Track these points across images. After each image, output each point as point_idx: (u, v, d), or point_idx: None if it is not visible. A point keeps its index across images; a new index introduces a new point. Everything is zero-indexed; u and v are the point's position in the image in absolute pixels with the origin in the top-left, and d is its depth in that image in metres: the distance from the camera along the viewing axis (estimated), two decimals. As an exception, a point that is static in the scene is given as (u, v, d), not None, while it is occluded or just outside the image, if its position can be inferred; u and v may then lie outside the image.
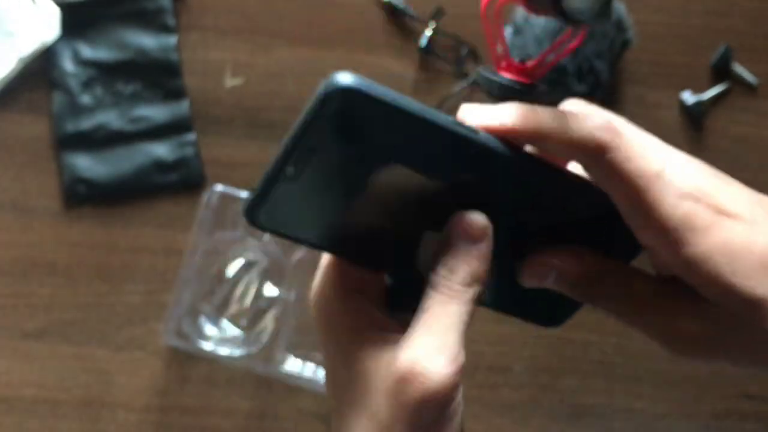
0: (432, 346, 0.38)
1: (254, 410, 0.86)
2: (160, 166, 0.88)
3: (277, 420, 0.86)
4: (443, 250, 0.40)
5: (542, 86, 0.41)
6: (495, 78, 0.41)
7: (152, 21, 0.89)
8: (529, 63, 0.41)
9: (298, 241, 0.42)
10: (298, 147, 0.40)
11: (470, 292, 0.39)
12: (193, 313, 0.86)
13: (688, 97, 0.91)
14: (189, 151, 0.88)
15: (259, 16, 0.90)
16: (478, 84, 0.41)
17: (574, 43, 0.40)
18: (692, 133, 0.92)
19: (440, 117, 0.38)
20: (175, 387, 0.86)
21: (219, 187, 0.86)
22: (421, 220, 0.41)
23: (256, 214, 0.40)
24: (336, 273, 0.41)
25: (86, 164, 0.87)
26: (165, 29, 0.89)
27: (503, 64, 0.41)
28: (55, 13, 0.86)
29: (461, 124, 0.39)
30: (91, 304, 0.86)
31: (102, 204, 0.87)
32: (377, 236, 0.41)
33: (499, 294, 0.45)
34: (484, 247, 0.40)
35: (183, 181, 0.88)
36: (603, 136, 0.39)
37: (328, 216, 0.41)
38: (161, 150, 0.88)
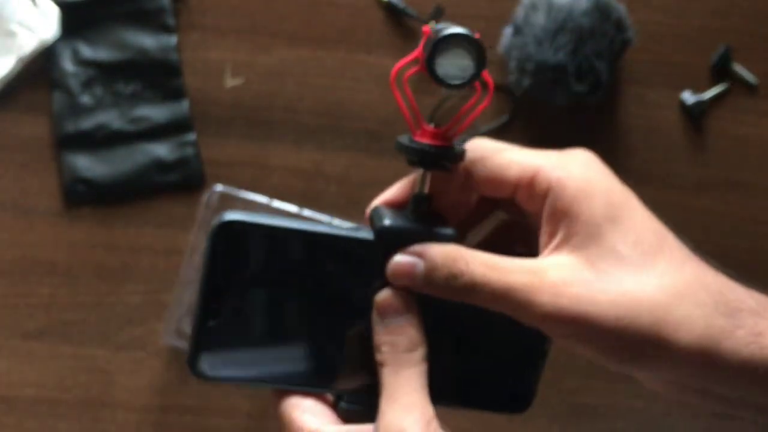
0: (401, 411, 0.41)
1: (254, 410, 0.86)
2: (160, 166, 0.88)
3: (277, 420, 0.86)
4: (377, 330, 0.43)
5: (459, 147, 0.43)
6: (410, 144, 0.43)
7: (152, 21, 0.89)
8: (443, 127, 0.43)
9: (244, 383, 0.46)
10: (209, 289, 0.43)
11: (417, 355, 0.43)
12: (193, 313, 0.85)
13: (688, 97, 0.91)
14: (189, 151, 0.88)
15: (259, 16, 0.90)
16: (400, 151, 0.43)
17: (483, 104, 0.42)
18: (692, 133, 0.92)
19: (309, 225, 0.42)
20: (175, 387, 0.86)
21: (219, 187, 0.86)
22: (346, 317, 0.44)
23: (198, 366, 0.43)
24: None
25: (86, 164, 0.87)
26: (165, 29, 0.89)
27: (418, 131, 0.43)
28: (55, 13, 0.86)
29: (336, 227, 0.44)
30: (91, 304, 0.86)
31: (102, 204, 0.87)
32: (310, 352, 0.44)
33: (447, 386, 0.46)
34: (412, 316, 0.43)
35: (183, 181, 0.88)
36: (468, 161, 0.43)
37: (262, 346, 0.44)
38: (161, 150, 0.88)
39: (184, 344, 0.84)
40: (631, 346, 0.40)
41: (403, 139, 0.43)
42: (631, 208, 0.42)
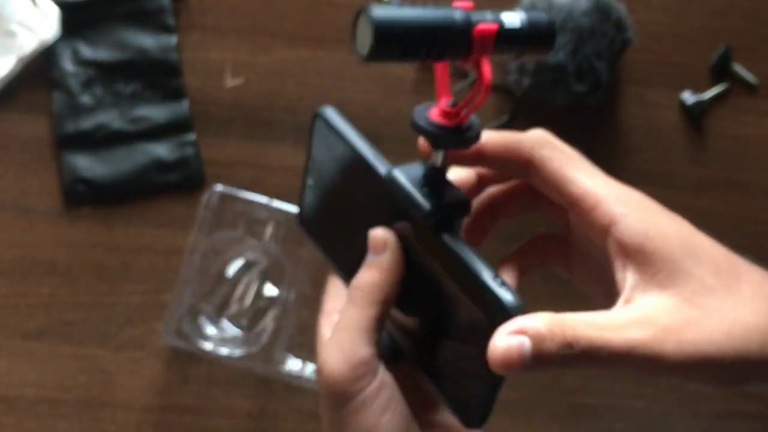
0: (332, 345, 0.44)
1: (254, 410, 0.86)
2: (160, 166, 0.88)
3: (277, 420, 0.86)
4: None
5: (473, 128, 0.43)
6: (424, 126, 0.43)
7: (152, 21, 0.89)
8: (457, 107, 0.43)
9: (324, 252, 0.51)
10: (308, 160, 0.50)
11: (369, 298, 0.44)
12: (193, 313, 0.86)
13: (688, 97, 0.91)
14: (189, 151, 0.88)
15: (259, 16, 0.90)
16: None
17: (481, 97, 0.42)
18: (692, 133, 0.92)
19: (371, 154, 0.47)
20: (175, 387, 0.86)
21: (219, 187, 0.86)
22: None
23: (302, 221, 0.52)
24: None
25: (86, 164, 0.87)
26: (165, 29, 0.89)
27: (435, 109, 0.43)
28: (55, 13, 0.86)
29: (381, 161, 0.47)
30: (91, 304, 0.86)
31: (102, 204, 0.87)
32: (351, 256, 0.48)
33: (424, 354, 0.46)
34: (385, 259, 0.44)
35: (183, 181, 0.88)
36: (534, 145, 0.45)
37: (338, 226, 0.50)
38: (161, 150, 0.88)
39: (184, 344, 0.84)
40: (744, 371, 0.41)
41: (420, 115, 0.44)
42: (699, 239, 0.43)
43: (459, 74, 0.90)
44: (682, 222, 0.43)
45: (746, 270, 0.42)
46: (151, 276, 0.87)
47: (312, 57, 0.90)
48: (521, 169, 0.46)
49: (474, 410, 0.43)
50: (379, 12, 0.38)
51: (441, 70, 0.43)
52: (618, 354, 0.39)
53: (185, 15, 0.90)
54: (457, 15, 0.40)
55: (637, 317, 0.40)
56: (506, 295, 0.40)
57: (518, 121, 0.90)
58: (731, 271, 0.42)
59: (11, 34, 0.86)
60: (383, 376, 0.44)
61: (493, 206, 0.49)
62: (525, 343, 0.38)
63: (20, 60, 0.86)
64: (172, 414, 0.86)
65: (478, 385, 0.42)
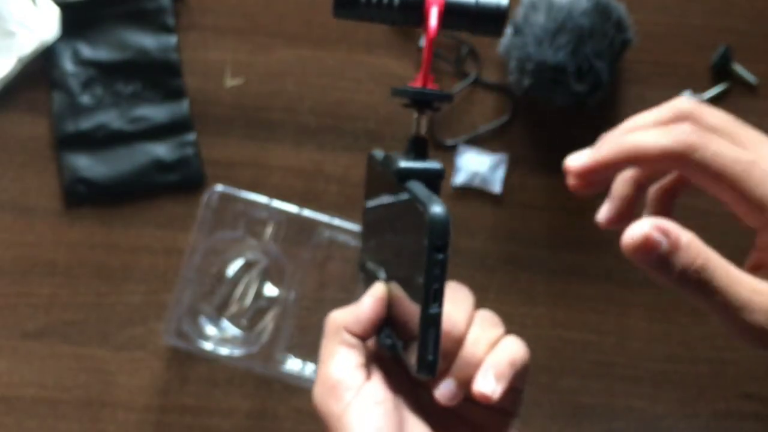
0: (317, 374, 0.51)
1: (254, 410, 0.86)
2: (160, 166, 0.88)
3: (277, 420, 0.86)
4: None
5: (447, 92, 0.53)
6: (406, 89, 0.52)
7: (152, 21, 0.89)
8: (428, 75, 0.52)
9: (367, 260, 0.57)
10: (366, 190, 0.59)
11: (337, 332, 0.51)
12: (193, 313, 0.86)
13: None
14: (189, 151, 0.88)
15: (259, 16, 0.90)
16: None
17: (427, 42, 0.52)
18: (692, 133, 0.92)
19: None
20: (175, 387, 0.86)
21: (219, 187, 0.86)
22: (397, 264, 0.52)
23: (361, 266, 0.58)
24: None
25: (86, 164, 0.87)
26: (165, 29, 0.89)
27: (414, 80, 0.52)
28: (55, 13, 0.86)
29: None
30: (91, 304, 0.86)
31: (102, 204, 0.87)
32: (380, 273, 0.54)
33: (396, 324, 0.51)
34: (365, 305, 0.51)
35: (183, 181, 0.88)
36: (686, 140, 0.44)
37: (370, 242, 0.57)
38: (161, 150, 0.88)
39: (184, 344, 0.84)
40: None
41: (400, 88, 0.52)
42: None
43: (459, 75, 0.90)
44: None
45: None
46: (151, 276, 0.87)
47: (312, 57, 0.90)
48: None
49: (419, 356, 0.45)
50: None
51: (427, 53, 0.51)
52: (721, 301, 0.42)
53: (185, 15, 0.90)
54: None
55: (760, 288, 0.43)
56: (437, 207, 0.44)
57: (518, 121, 0.90)
58: None
59: (11, 34, 0.86)
60: (366, 386, 0.49)
61: (671, 189, 0.51)
62: (663, 242, 0.41)
63: (20, 60, 0.86)
64: (172, 414, 0.86)
65: (420, 331, 0.45)
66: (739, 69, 0.92)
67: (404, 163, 0.49)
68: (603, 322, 0.88)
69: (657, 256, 0.41)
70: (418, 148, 0.51)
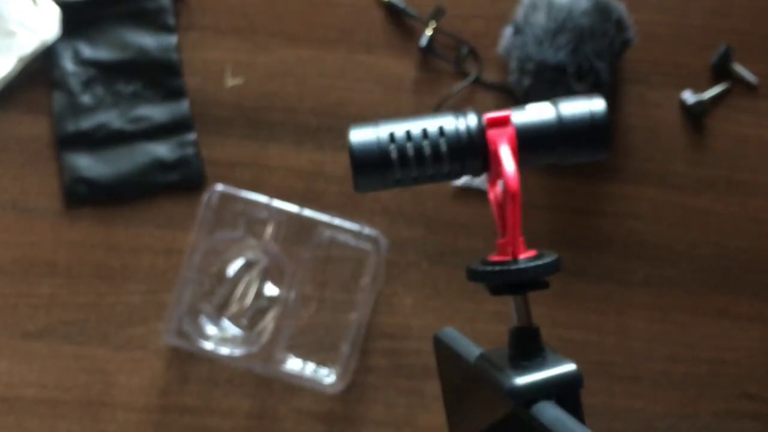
0: None
1: (254, 410, 0.86)
2: (160, 165, 0.88)
3: (277, 420, 0.86)
4: None
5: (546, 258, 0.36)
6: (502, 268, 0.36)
7: (152, 21, 0.89)
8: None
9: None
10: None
11: None
12: (194, 313, 0.86)
13: (689, 96, 0.91)
14: (189, 150, 0.88)
15: (259, 16, 0.90)
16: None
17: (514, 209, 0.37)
18: (692, 132, 0.92)
19: None
20: (175, 387, 0.86)
21: (219, 187, 0.86)
22: None
23: None
24: None
25: (86, 164, 0.87)
26: (165, 29, 0.89)
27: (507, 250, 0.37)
28: (55, 13, 0.86)
29: None
30: (91, 304, 0.86)
31: (102, 204, 0.87)
32: None
33: None
34: None
35: (183, 181, 0.88)
36: None
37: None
38: (161, 150, 0.88)
39: (184, 344, 0.84)
40: None
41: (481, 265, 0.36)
42: None
43: (460, 75, 0.90)
44: None
45: None
46: (151, 276, 0.87)
47: (312, 57, 0.90)
48: None
49: None
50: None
51: (512, 217, 0.36)
52: None
53: (185, 15, 0.90)
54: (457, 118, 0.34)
55: None
56: None
57: (518, 121, 0.90)
58: None
59: (11, 34, 0.86)
60: None
61: None
62: None
63: (20, 60, 0.86)
64: (172, 414, 0.86)
65: None
66: (739, 69, 0.92)
67: (520, 379, 0.34)
68: (603, 322, 0.88)
69: None
70: (528, 344, 0.36)
